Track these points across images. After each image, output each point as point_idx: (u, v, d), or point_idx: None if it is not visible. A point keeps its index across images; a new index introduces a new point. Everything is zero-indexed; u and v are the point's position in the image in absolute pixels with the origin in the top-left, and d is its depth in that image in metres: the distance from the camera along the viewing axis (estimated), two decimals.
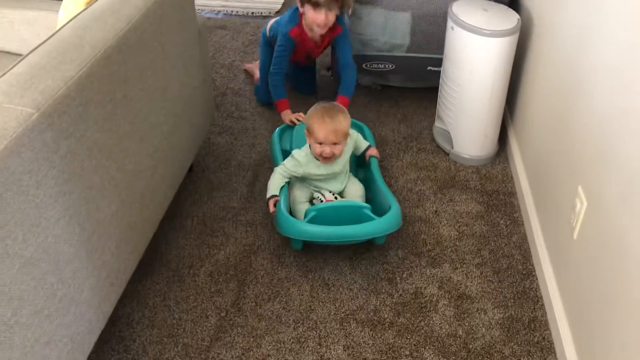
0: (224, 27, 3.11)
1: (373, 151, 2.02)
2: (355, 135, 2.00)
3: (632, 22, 1.23)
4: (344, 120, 1.78)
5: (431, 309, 1.63)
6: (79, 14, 1.34)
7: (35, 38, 1.98)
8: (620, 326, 1.19)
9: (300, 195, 1.87)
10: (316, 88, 2.55)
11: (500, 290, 1.69)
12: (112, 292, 1.38)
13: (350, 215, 1.70)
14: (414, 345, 1.54)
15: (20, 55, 1.10)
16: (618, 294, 1.21)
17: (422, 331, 1.57)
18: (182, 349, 1.51)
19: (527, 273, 1.74)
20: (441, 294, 1.67)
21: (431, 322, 1.59)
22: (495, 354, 1.51)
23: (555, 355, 1.51)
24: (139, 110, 1.43)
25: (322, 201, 1.81)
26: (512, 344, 1.54)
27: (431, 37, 2.33)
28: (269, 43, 2.37)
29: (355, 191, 1.90)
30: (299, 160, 1.83)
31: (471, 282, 1.71)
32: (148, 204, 1.55)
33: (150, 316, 1.59)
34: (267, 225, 1.89)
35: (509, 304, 1.65)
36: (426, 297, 1.67)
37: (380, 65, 2.43)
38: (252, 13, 3.30)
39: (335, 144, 1.76)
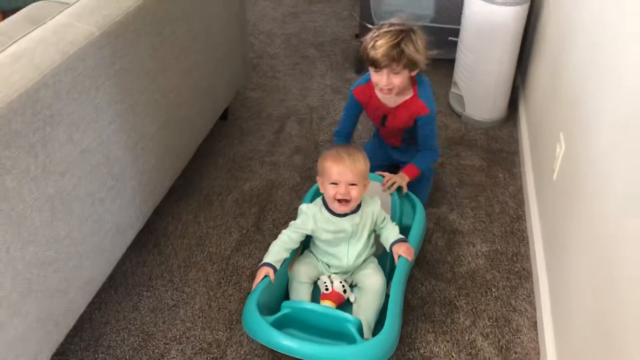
0: None
1: (402, 248, 1.55)
2: (377, 208, 1.59)
3: None
4: (364, 161, 1.51)
5: (425, 240, 1.83)
6: None
7: None
8: (581, 258, 1.38)
9: (304, 271, 1.57)
10: (427, 198, 1.97)
11: (490, 229, 1.88)
12: (150, 199, 1.65)
13: (330, 325, 1.40)
14: None
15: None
16: (580, 228, 1.40)
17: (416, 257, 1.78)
18: (207, 256, 1.77)
19: (517, 217, 1.93)
20: (436, 229, 1.88)
21: (424, 249, 1.80)
22: (478, 278, 1.72)
23: (531, 282, 1.70)
24: (184, 48, 1.69)
25: (327, 289, 1.52)
26: (494, 271, 1.74)
27: (453, 8, 2.52)
28: None
29: (371, 285, 1.54)
30: (307, 213, 1.55)
31: (464, 221, 1.91)
32: (186, 132, 1.82)
33: (182, 229, 1.86)
34: (289, 166, 2.13)
35: (496, 240, 1.84)
36: None
37: None
38: None
39: (352, 185, 1.49)
